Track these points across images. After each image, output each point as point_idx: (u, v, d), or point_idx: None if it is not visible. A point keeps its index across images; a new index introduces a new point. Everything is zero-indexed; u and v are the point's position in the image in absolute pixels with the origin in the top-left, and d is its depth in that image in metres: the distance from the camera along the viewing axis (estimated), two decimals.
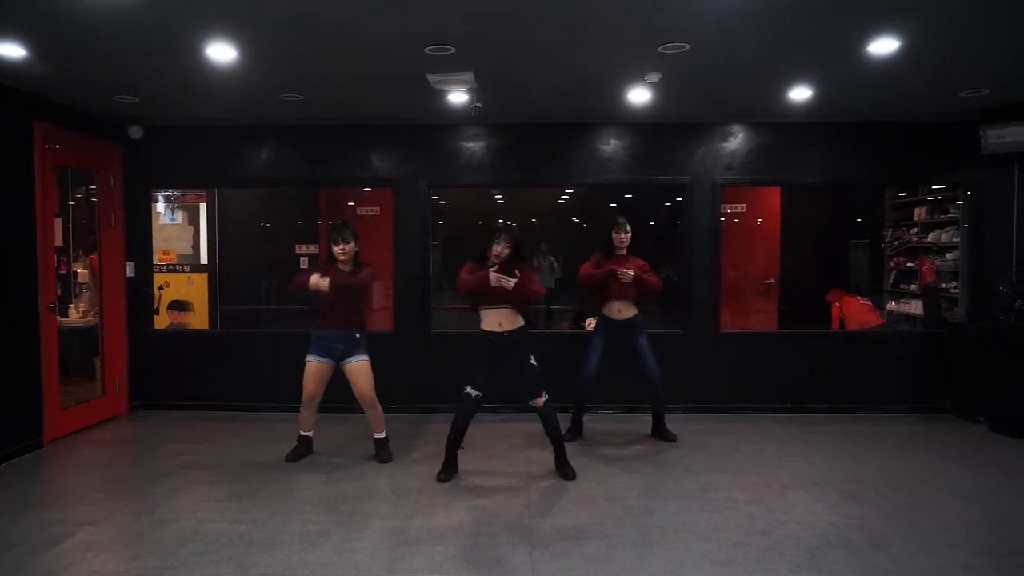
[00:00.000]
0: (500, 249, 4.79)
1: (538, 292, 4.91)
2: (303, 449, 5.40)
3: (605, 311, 5.78)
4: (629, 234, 5.67)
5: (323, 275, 4.96)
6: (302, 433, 5.41)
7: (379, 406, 5.33)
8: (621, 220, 5.68)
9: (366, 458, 5.37)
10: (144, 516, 4.23)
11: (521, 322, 4.89)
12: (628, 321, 5.72)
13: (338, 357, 5.17)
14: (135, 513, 4.30)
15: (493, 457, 5.46)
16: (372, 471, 5.08)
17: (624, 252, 5.67)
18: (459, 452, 4.98)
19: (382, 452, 5.36)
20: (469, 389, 4.87)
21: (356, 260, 5.22)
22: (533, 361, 4.86)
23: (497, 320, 4.84)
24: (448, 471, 4.92)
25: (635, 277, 5.54)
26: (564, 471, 4.95)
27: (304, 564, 3.58)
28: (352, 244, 5.15)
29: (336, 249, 5.13)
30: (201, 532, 3.97)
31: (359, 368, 5.18)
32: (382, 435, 5.40)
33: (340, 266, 5.15)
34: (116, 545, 3.87)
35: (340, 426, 6.29)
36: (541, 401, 4.86)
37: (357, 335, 5.19)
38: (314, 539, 3.88)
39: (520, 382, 4.87)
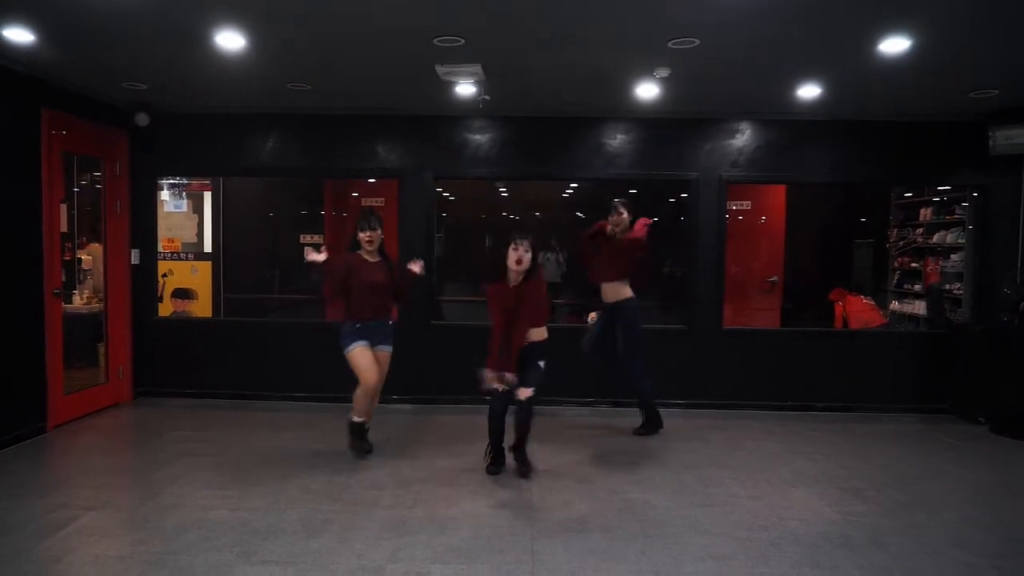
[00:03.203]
0: (520, 255, 4.61)
1: (543, 317, 4.83)
2: (363, 441, 5.23)
3: (601, 295, 5.81)
4: (624, 215, 5.59)
5: (352, 265, 5.00)
6: (357, 419, 5.19)
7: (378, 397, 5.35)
8: (616, 202, 5.65)
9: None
10: (147, 502, 4.25)
11: (544, 336, 4.80)
12: (614, 304, 5.70)
13: (374, 343, 5.12)
14: (138, 499, 4.33)
15: None
16: (375, 461, 5.10)
17: (619, 233, 5.63)
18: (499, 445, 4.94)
19: (366, 443, 5.29)
20: (520, 390, 4.74)
21: (382, 248, 5.16)
22: (542, 364, 4.79)
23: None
24: (497, 463, 4.90)
25: (617, 238, 5.55)
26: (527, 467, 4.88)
27: (307, 552, 3.60)
28: (379, 231, 5.08)
29: (363, 236, 5.05)
30: (204, 519, 3.98)
31: (385, 358, 5.17)
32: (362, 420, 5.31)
33: (365, 255, 5.07)
34: (119, 530, 3.89)
35: (342, 415, 6.28)
36: (526, 393, 4.68)
37: (390, 322, 5.20)
38: (317, 527, 3.90)
39: (522, 373, 4.74)
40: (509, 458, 4.94)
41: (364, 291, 4.99)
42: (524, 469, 4.84)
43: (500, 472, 4.88)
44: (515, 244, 4.63)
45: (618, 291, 5.69)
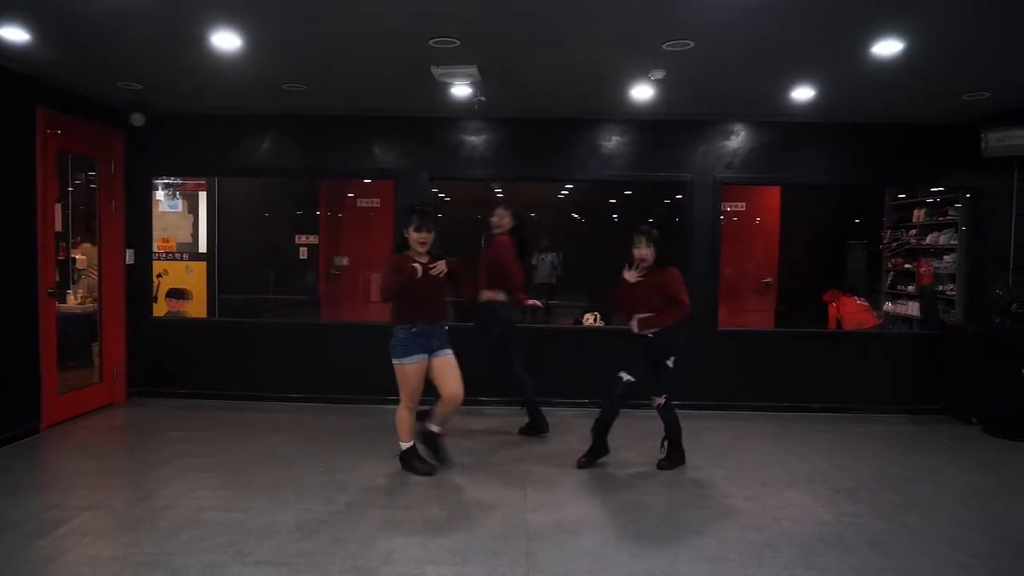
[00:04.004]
0: (641, 252, 4.83)
1: (681, 304, 4.82)
2: (423, 461, 4.88)
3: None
4: (503, 218, 5.76)
5: (402, 267, 4.59)
6: (407, 445, 4.86)
7: None
8: (499, 209, 5.82)
9: (363, 449, 5.38)
10: (141, 503, 4.24)
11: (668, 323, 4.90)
12: (488, 306, 5.78)
13: (431, 351, 4.73)
14: (132, 499, 4.32)
15: (490, 450, 5.48)
16: (369, 462, 5.09)
17: (498, 233, 5.79)
18: (604, 436, 5.10)
19: (442, 452, 4.98)
20: (622, 373, 4.91)
21: (431, 248, 4.78)
22: (670, 364, 4.89)
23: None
24: (594, 454, 5.09)
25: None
26: (673, 460, 5.11)
27: (301, 553, 3.60)
28: (434, 234, 4.71)
29: (418, 236, 4.64)
30: (198, 519, 3.98)
31: (451, 361, 4.75)
32: (438, 431, 4.93)
33: (415, 255, 4.68)
34: (113, 531, 3.88)
35: (337, 417, 6.32)
36: (659, 400, 4.96)
37: (447, 327, 4.85)
38: (311, 528, 3.90)
39: (645, 373, 4.93)
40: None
41: (417, 294, 4.62)
42: (666, 463, 5.08)
43: (591, 466, 5.02)
44: (636, 243, 4.86)
45: (493, 292, 5.75)
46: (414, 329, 4.66)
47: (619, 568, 3.52)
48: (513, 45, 4.74)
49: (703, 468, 5.09)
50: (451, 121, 6.80)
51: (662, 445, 5.13)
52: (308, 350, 6.89)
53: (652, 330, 4.88)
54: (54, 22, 4.43)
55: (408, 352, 4.66)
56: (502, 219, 5.79)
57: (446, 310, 4.88)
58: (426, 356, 4.70)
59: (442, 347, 4.76)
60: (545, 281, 10.52)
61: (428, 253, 4.73)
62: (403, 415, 4.79)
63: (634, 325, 4.92)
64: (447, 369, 4.72)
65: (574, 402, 6.80)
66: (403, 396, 4.76)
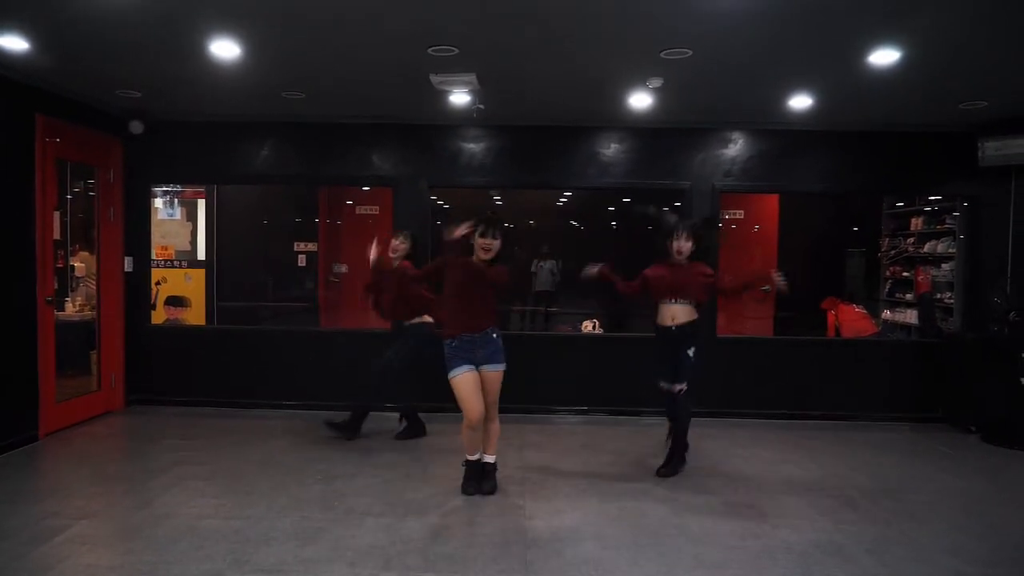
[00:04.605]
0: (680, 244, 4.89)
1: (712, 287, 5.02)
2: (475, 476, 4.68)
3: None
4: (400, 244, 5.84)
5: (452, 266, 4.53)
6: (469, 458, 4.66)
7: (498, 424, 4.69)
8: (398, 233, 5.95)
9: (361, 456, 5.38)
10: (140, 511, 4.23)
11: (694, 317, 4.97)
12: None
13: (478, 362, 4.51)
14: (131, 508, 4.31)
15: None
16: (367, 469, 5.09)
17: (396, 258, 5.83)
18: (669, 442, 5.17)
19: (487, 482, 4.66)
20: (662, 383, 4.98)
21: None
22: (691, 353, 4.93)
23: (671, 315, 4.95)
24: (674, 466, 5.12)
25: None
26: (673, 467, 5.08)
27: (299, 560, 3.59)
28: (499, 241, 4.46)
29: (483, 242, 4.42)
30: (196, 527, 3.97)
31: (495, 377, 4.54)
32: (492, 459, 4.70)
33: (475, 259, 4.50)
34: (111, 539, 3.88)
35: None
36: (680, 386, 4.95)
37: (494, 335, 4.56)
38: (309, 536, 3.89)
39: (673, 367, 4.98)
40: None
41: (457, 302, 4.52)
42: (665, 470, 5.05)
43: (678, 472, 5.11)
44: (676, 235, 4.91)
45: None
46: (454, 343, 4.51)
47: (617, 575, 3.52)
48: (512, 53, 4.76)
49: (702, 475, 5.09)
50: (450, 129, 6.82)
51: (666, 440, 5.14)
52: (307, 357, 6.90)
53: (685, 321, 4.93)
54: (53, 30, 4.45)
55: (454, 365, 4.48)
56: (399, 247, 5.80)
57: (490, 317, 4.56)
58: (472, 368, 4.48)
59: (488, 359, 4.52)
60: (544, 288, 10.54)
61: (490, 262, 4.49)
62: (464, 433, 4.59)
63: (666, 318, 4.97)
64: (486, 385, 4.53)
65: (573, 409, 6.81)
66: (463, 413, 4.52)
